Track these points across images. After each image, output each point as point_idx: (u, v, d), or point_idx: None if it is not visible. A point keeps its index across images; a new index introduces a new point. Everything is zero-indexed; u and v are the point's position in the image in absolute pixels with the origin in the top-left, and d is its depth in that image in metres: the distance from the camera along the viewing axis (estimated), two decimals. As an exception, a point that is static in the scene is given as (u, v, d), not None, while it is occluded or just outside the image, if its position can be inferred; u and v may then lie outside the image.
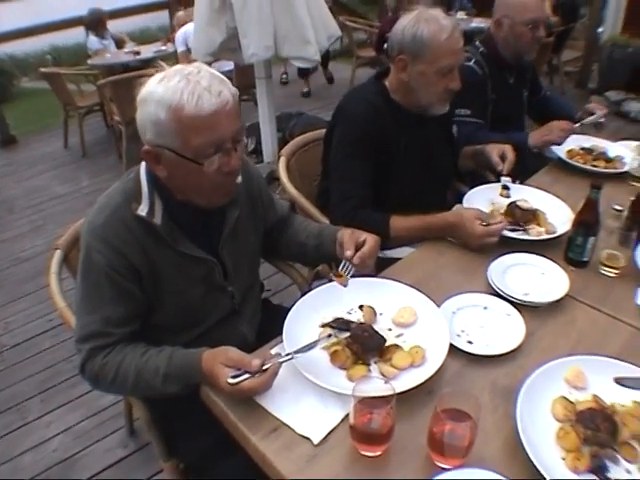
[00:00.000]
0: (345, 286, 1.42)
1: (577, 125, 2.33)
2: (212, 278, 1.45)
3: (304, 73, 6.76)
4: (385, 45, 5.68)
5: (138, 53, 6.07)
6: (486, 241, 1.72)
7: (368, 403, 1.09)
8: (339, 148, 1.95)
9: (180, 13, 6.38)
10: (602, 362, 1.28)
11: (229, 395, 1.20)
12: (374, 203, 1.89)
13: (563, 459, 1.08)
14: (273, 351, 1.31)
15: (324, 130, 2.14)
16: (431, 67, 1.80)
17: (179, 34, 5.78)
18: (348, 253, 1.42)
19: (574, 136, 2.35)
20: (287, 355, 1.23)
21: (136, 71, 5.12)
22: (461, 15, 6.52)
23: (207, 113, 1.19)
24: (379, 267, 1.65)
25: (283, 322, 1.36)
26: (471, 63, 2.38)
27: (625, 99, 6.54)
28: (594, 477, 1.05)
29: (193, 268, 1.40)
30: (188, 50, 5.17)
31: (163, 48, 6.26)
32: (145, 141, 1.26)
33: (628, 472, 1.06)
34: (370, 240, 1.46)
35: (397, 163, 1.93)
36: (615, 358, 1.29)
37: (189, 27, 5.26)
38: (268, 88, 4.00)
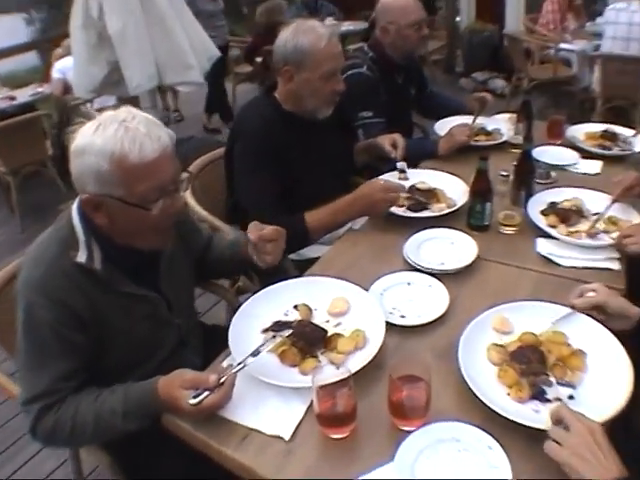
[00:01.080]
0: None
1: (473, 122, 2.49)
2: (158, 314, 1.46)
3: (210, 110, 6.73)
4: (257, 58, 5.81)
5: (14, 98, 5.78)
6: (389, 196, 1.86)
7: (328, 389, 1.15)
8: (242, 164, 2.02)
9: (58, 50, 6.20)
10: (520, 305, 1.43)
11: (193, 416, 1.22)
12: (287, 209, 1.97)
13: (508, 394, 1.21)
14: (224, 364, 1.34)
15: (221, 149, 2.21)
16: (315, 73, 1.92)
17: (56, 64, 5.58)
18: (251, 237, 1.49)
19: (457, 117, 2.59)
20: (239, 364, 1.27)
21: (13, 117, 4.83)
22: (330, 21, 6.83)
23: (150, 159, 1.22)
24: (300, 269, 1.73)
25: (225, 339, 1.40)
26: (364, 69, 2.51)
27: (489, 78, 7.09)
28: (537, 402, 1.18)
29: (138, 307, 1.41)
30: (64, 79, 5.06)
31: (40, 90, 5.98)
32: (84, 192, 1.25)
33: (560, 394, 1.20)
34: (269, 228, 1.52)
35: (300, 169, 2.02)
36: (529, 300, 1.45)
37: (66, 60, 5.11)
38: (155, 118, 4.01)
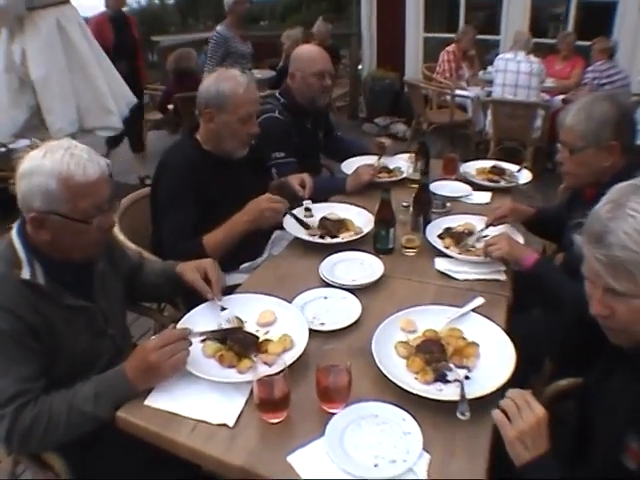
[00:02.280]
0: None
1: (377, 162, 2.83)
2: (95, 324, 1.59)
3: (112, 144, 6.69)
4: (170, 105, 5.87)
5: None
6: (274, 205, 2.09)
7: (266, 381, 1.33)
8: (165, 200, 2.18)
9: None
10: (423, 309, 1.70)
11: (173, 371, 1.43)
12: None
13: (416, 379, 1.45)
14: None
15: (147, 189, 2.36)
16: (234, 116, 2.14)
17: None
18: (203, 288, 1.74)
19: (362, 157, 2.92)
20: (201, 334, 1.55)
21: None
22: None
23: (92, 180, 1.42)
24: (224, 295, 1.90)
25: None
26: (276, 114, 2.74)
27: (391, 122, 7.60)
28: (440, 384, 1.43)
29: (78, 318, 1.53)
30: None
31: None
32: (31, 210, 1.40)
33: (458, 375, 1.44)
34: (208, 265, 1.78)
35: (218, 204, 2.19)
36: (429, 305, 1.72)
37: None
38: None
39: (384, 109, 7.87)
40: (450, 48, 6.75)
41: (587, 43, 5.99)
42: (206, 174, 2.16)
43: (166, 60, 6.28)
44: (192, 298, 1.89)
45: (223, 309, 1.71)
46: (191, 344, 1.48)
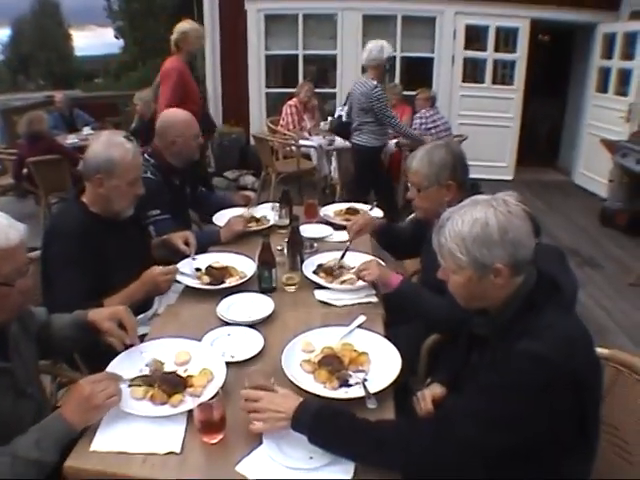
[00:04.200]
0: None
1: (245, 212, 3.17)
2: (17, 384, 1.65)
3: None
4: (25, 170, 5.62)
5: None
6: (168, 277, 2.32)
7: (205, 406, 1.55)
8: (60, 264, 2.25)
9: None
10: (317, 332, 2.02)
11: (107, 407, 1.56)
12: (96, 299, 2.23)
13: (325, 387, 1.75)
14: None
15: (36, 252, 2.41)
16: (123, 180, 2.31)
17: None
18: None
19: (230, 210, 3.24)
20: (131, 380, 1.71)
21: None
22: (87, 130, 7.20)
23: (14, 245, 1.52)
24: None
25: None
26: (148, 174, 2.90)
27: (240, 175, 7.90)
28: (345, 388, 1.75)
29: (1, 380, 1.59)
30: None
31: None
32: None
33: (358, 378, 1.78)
34: (122, 313, 1.92)
35: (111, 263, 2.33)
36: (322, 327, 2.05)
37: None
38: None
39: (232, 162, 8.26)
40: (292, 102, 7.23)
41: (412, 93, 7.00)
42: (98, 235, 2.30)
43: (8, 121, 6.06)
44: (92, 355, 2.06)
45: (141, 352, 1.88)
46: (120, 387, 1.63)
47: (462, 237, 1.49)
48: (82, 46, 36.93)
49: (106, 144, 2.31)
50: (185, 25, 4.90)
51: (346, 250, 2.61)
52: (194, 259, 2.63)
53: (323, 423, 1.49)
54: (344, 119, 5.67)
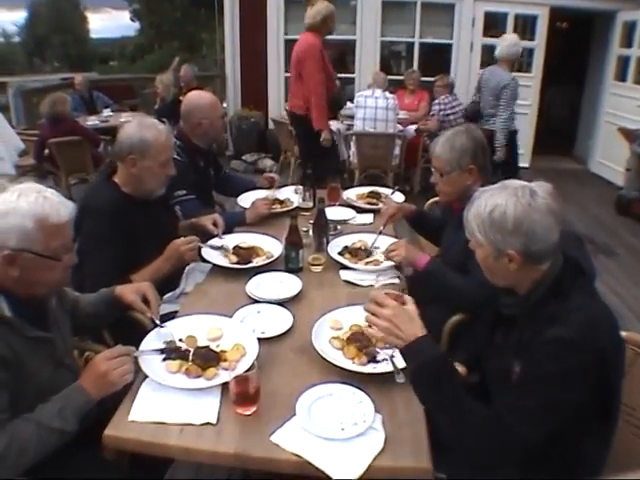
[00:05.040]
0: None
1: (270, 195, 3.22)
2: (55, 354, 1.72)
3: None
4: (46, 150, 5.73)
5: None
6: (190, 246, 2.40)
7: (240, 379, 1.60)
8: (91, 241, 2.31)
9: None
10: (344, 310, 2.07)
11: (120, 382, 1.61)
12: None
13: (353, 362, 1.80)
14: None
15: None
16: (156, 161, 2.37)
17: None
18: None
19: (255, 192, 3.32)
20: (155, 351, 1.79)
21: None
22: (107, 112, 7.30)
23: (64, 221, 1.59)
24: (163, 319, 2.12)
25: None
26: (175, 155, 2.96)
27: (258, 158, 7.94)
28: (373, 364, 1.80)
29: (40, 349, 1.65)
30: None
31: None
32: (4, 248, 1.52)
33: (386, 354, 1.82)
34: (146, 288, 2.01)
35: (141, 241, 2.40)
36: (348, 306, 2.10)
37: None
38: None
39: (251, 146, 8.29)
40: None
41: (430, 79, 7.02)
42: (129, 214, 2.36)
43: (26, 103, 6.11)
44: (119, 329, 2.14)
45: (161, 327, 1.95)
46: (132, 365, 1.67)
47: (482, 219, 1.54)
48: (98, 29, 37.15)
49: (139, 126, 2.36)
50: (329, 7, 4.75)
51: (379, 233, 2.67)
52: (222, 239, 2.68)
53: (432, 371, 1.49)
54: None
